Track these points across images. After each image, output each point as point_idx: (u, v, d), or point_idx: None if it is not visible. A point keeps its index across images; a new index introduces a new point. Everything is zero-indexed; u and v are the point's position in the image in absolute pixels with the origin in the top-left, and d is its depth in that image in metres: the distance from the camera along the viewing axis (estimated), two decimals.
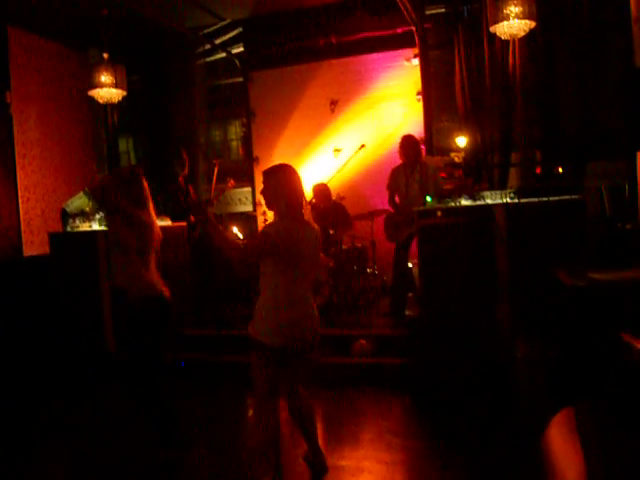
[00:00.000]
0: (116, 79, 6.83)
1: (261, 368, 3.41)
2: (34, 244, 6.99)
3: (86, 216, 6.43)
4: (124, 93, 6.99)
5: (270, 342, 3.35)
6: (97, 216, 6.64)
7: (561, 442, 1.81)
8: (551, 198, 4.94)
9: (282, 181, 3.46)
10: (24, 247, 6.90)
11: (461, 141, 7.74)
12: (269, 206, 3.51)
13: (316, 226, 3.63)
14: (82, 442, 4.53)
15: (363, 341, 5.69)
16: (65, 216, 6.47)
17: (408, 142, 6.36)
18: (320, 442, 4.26)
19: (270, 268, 3.38)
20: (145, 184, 4.04)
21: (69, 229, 6.40)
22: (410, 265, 6.44)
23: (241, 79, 9.14)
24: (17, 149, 6.93)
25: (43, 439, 4.67)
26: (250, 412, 5.33)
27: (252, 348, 3.43)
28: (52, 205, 7.28)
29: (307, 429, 3.70)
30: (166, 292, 4.04)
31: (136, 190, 3.98)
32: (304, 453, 3.78)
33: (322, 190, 7.29)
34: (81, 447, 4.42)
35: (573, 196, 4.91)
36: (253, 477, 3.53)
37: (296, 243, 3.36)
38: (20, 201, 6.93)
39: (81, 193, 6.54)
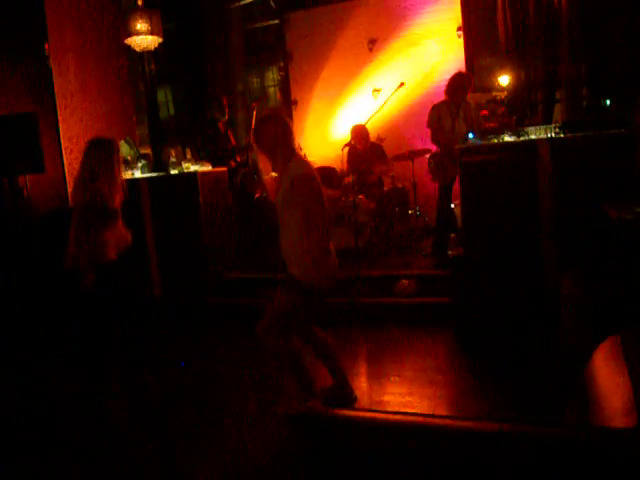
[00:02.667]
0: (151, 26, 6.80)
1: (303, 309, 3.52)
2: None
3: (128, 164, 6.51)
4: (160, 40, 6.95)
5: (315, 282, 3.46)
6: (139, 164, 6.73)
7: (607, 369, 1.80)
8: (598, 132, 4.79)
9: (282, 125, 3.56)
10: (70, 197, 7.02)
11: (504, 80, 7.51)
12: (272, 150, 3.56)
13: None
14: None
15: (406, 281, 5.69)
16: None
17: (466, 79, 6.21)
18: (364, 378, 4.36)
19: (301, 210, 3.43)
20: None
21: None
22: (452, 206, 6.37)
23: (277, 21, 9.00)
24: (58, 101, 6.98)
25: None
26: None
27: (295, 290, 3.50)
28: None
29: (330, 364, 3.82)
30: None
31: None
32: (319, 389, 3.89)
33: (360, 131, 7.23)
34: None
35: (621, 130, 4.74)
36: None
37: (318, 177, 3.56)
38: (64, 152, 7.02)
39: (122, 142, 6.61)
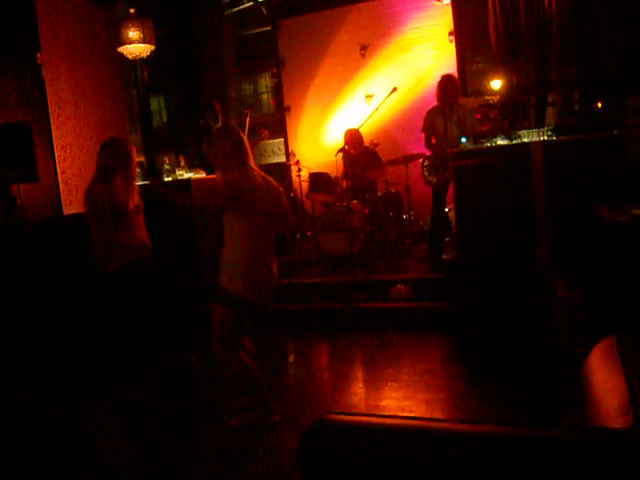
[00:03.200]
0: (144, 34, 6.81)
1: (230, 320, 3.52)
2: (73, 203, 7.08)
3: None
4: (152, 47, 6.96)
5: (242, 295, 3.48)
6: None
7: (603, 370, 1.80)
8: (590, 134, 4.81)
9: (235, 141, 3.59)
10: (63, 206, 7.00)
11: (496, 84, 7.54)
12: (224, 166, 3.58)
13: (276, 184, 3.75)
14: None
15: (401, 285, 5.70)
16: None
17: (449, 81, 6.24)
18: (360, 383, 4.37)
19: (235, 221, 3.50)
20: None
21: None
22: (447, 210, 6.39)
23: (269, 28, 9.03)
24: (51, 109, 6.96)
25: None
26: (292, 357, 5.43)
27: (223, 300, 3.53)
28: (88, 164, 7.32)
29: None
30: None
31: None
32: None
33: (354, 135, 7.24)
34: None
35: (612, 132, 4.77)
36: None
37: (256, 192, 3.51)
38: (57, 161, 7.00)
39: None
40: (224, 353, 3.59)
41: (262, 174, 3.68)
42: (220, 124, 7.36)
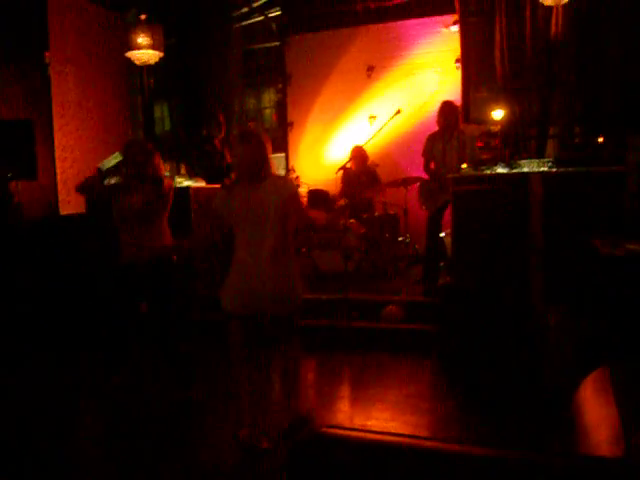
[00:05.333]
0: (153, 40, 6.84)
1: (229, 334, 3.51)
2: (70, 203, 7.07)
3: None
4: (161, 54, 6.99)
5: (230, 308, 3.45)
6: None
7: (594, 400, 1.79)
8: (589, 168, 4.84)
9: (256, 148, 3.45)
10: (60, 206, 6.98)
11: (498, 114, 7.58)
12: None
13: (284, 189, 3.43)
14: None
15: (393, 307, 5.68)
16: (100, 176, 6.52)
17: (448, 107, 6.28)
18: (347, 402, 4.34)
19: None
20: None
21: None
22: (442, 234, 6.39)
23: (277, 43, 9.09)
24: (55, 109, 6.98)
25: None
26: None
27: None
28: (88, 165, 7.32)
29: None
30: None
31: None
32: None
33: (360, 152, 7.31)
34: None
35: (612, 167, 4.80)
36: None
37: (239, 205, 3.37)
38: (57, 160, 7.00)
39: (116, 153, 6.57)
40: (233, 365, 3.55)
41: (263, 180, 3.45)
42: (223, 135, 7.37)
